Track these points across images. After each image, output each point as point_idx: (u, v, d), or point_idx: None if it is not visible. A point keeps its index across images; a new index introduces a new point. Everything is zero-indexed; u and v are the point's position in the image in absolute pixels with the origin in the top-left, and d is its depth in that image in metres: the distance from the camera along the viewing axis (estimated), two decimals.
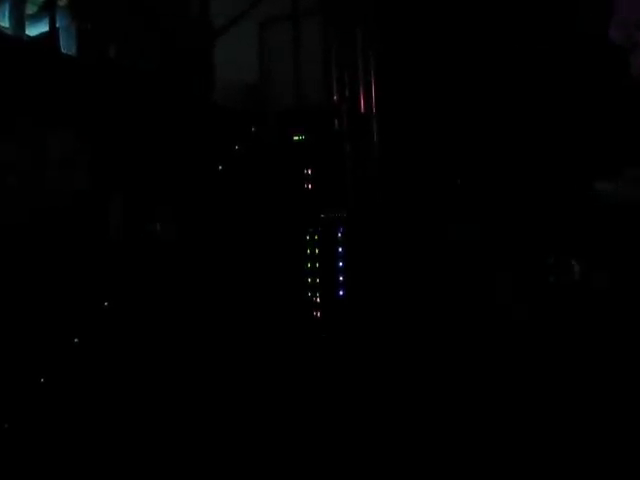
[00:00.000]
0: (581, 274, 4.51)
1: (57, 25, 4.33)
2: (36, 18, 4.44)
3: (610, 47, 2.90)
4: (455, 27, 5.04)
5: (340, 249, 4.77)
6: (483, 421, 3.72)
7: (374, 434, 3.73)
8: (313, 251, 4.73)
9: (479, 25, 5.01)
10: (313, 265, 4.71)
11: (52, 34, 4.25)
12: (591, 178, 4.30)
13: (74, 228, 3.80)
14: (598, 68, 3.17)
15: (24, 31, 4.31)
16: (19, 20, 4.28)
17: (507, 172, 4.92)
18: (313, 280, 4.69)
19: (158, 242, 4.21)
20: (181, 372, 4.03)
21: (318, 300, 4.67)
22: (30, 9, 4.42)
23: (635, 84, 2.91)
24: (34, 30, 4.42)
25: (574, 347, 4.16)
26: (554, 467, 3.31)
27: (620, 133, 3.90)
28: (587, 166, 4.44)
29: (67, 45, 4.38)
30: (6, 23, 4.28)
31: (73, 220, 3.80)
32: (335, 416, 3.92)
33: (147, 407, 3.79)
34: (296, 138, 4.77)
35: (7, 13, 4.26)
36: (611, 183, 3.91)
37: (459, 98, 5.02)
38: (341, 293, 4.72)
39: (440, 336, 4.52)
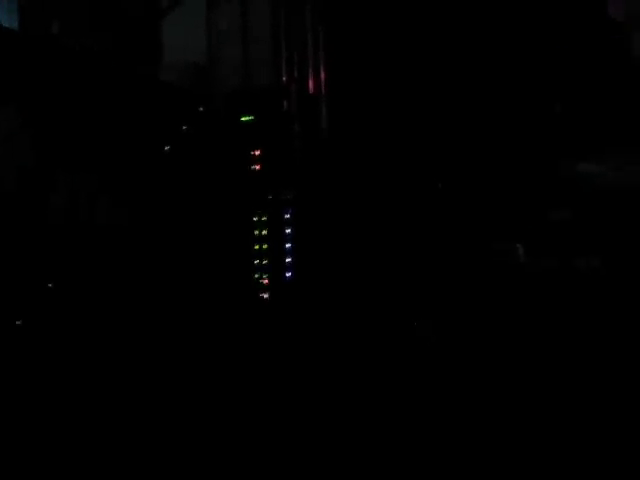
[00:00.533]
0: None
1: None
2: None
3: (608, 23, 2.89)
4: (409, 5, 5.04)
5: (288, 230, 4.77)
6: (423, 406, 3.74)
7: (323, 418, 3.73)
8: (261, 232, 4.71)
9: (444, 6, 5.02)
10: (261, 246, 4.69)
11: None
12: (575, 160, 4.35)
13: (14, 206, 3.71)
14: (594, 46, 3.16)
15: None
16: None
17: (467, 154, 4.97)
18: (261, 262, 4.67)
19: (102, 223, 4.13)
20: (125, 357, 3.97)
21: (266, 282, 4.66)
22: None
23: (635, 62, 2.90)
24: None
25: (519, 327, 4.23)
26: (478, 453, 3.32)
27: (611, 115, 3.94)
28: (568, 148, 4.49)
29: (8, 19, 4.26)
30: None
31: (14, 198, 3.71)
32: (280, 397, 3.91)
33: (83, 390, 3.71)
34: (244, 119, 4.73)
35: None
36: (597, 166, 3.96)
37: (411, 77, 5.03)
38: (289, 275, 4.72)
39: (387, 317, 4.56)
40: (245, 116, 4.74)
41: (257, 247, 4.70)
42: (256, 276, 4.67)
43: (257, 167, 4.73)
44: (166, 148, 4.53)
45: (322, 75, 5.06)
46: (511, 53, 4.72)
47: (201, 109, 4.66)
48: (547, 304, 4.31)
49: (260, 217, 4.72)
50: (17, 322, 3.66)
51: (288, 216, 4.76)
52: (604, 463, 2.93)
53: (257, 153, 4.72)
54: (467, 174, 5.01)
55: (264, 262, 4.68)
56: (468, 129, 5.01)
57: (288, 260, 4.72)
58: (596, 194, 4.28)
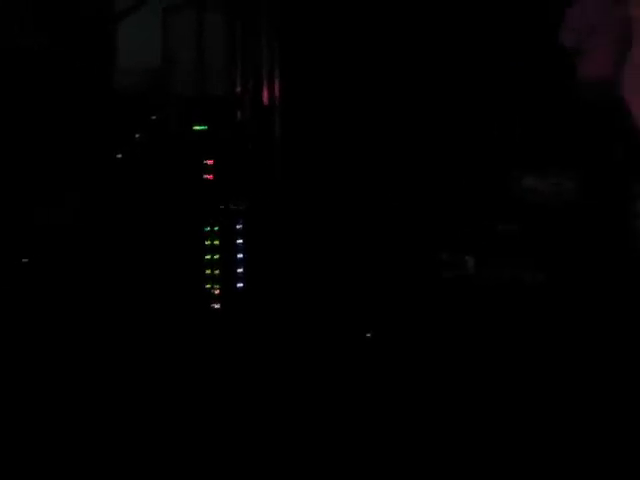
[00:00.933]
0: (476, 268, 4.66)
1: None
2: None
3: (560, 51, 2.98)
4: (366, 18, 5.08)
5: (241, 240, 4.77)
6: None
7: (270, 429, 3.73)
8: (213, 243, 4.70)
9: (397, 16, 5.07)
10: (212, 257, 4.69)
11: None
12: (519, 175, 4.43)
13: None
14: (545, 72, 3.27)
15: None
16: None
17: (415, 166, 5.02)
18: (212, 272, 4.66)
19: (45, 230, 4.08)
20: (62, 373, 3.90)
21: (218, 292, 4.66)
22: None
23: (582, 87, 3.01)
24: None
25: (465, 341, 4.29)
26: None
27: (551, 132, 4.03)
28: (510, 163, 4.57)
29: None
30: None
31: None
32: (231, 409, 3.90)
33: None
34: (197, 128, 4.72)
35: None
36: (539, 182, 4.05)
37: (367, 91, 5.07)
38: (241, 285, 4.72)
39: (337, 327, 4.58)
40: (198, 125, 4.72)
41: (209, 257, 4.69)
42: (207, 286, 4.66)
43: (210, 177, 4.72)
44: (117, 156, 4.50)
45: (277, 86, 5.07)
46: (463, 70, 4.80)
47: (154, 117, 4.63)
48: (494, 315, 4.38)
49: (212, 227, 4.71)
50: None
51: (240, 226, 4.76)
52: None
53: (210, 163, 4.71)
54: (418, 186, 5.06)
55: (216, 272, 4.67)
56: (420, 142, 5.07)
57: (240, 270, 4.72)
58: (539, 208, 4.38)
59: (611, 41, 2.79)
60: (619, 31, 2.83)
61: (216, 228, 4.71)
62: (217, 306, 4.64)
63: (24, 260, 4.23)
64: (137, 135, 4.56)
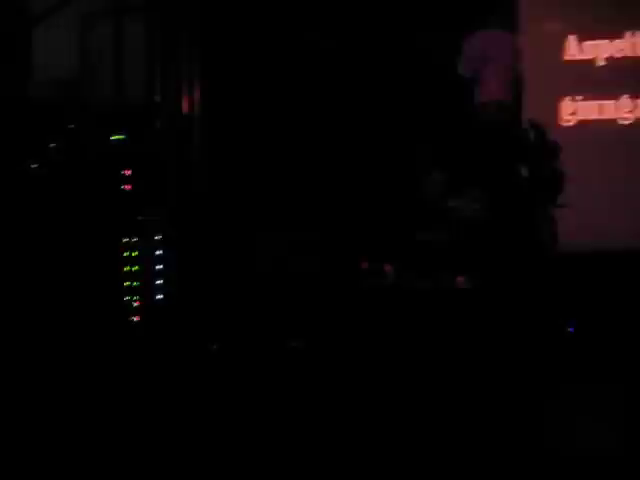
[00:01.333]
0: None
1: None
2: None
3: (459, 79, 3.16)
4: (281, 34, 5.10)
5: (160, 251, 4.71)
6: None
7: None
8: (131, 254, 4.61)
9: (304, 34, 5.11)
10: (131, 268, 4.60)
11: None
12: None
13: None
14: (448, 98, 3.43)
15: None
16: None
17: (333, 177, 5.08)
18: (131, 284, 4.59)
19: None
20: None
21: (137, 304, 4.58)
22: None
23: (478, 111, 3.17)
24: None
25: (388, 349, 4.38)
26: None
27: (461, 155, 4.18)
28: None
29: None
30: None
31: None
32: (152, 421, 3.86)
33: None
34: (115, 137, 4.61)
35: None
36: (457, 200, 4.19)
37: (286, 100, 5.09)
38: (160, 296, 4.66)
39: (261, 335, 4.60)
40: (116, 134, 4.62)
41: (127, 269, 4.61)
42: (126, 299, 4.58)
43: (127, 187, 4.63)
44: (33, 166, 4.36)
45: (196, 94, 5.04)
46: (383, 89, 4.92)
47: (71, 127, 4.50)
48: (417, 323, 4.48)
49: (130, 238, 4.63)
50: None
51: (160, 237, 4.70)
52: None
53: (127, 173, 4.62)
54: (339, 196, 5.13)
55: (134, 284, 4.60)
56: (341, 152, 5.14)
57: (159, 282, 4.66)
58: (456, 218, 4.52)
59: (501, 68, 3.00)
60: (508, 60, 3.05)
61: (135, 239, 4.63)
62: (136, 319, 4.57)
63: None
64: (52, 145, 4.42)
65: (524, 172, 3.34)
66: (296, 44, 5.13)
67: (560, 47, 5.21)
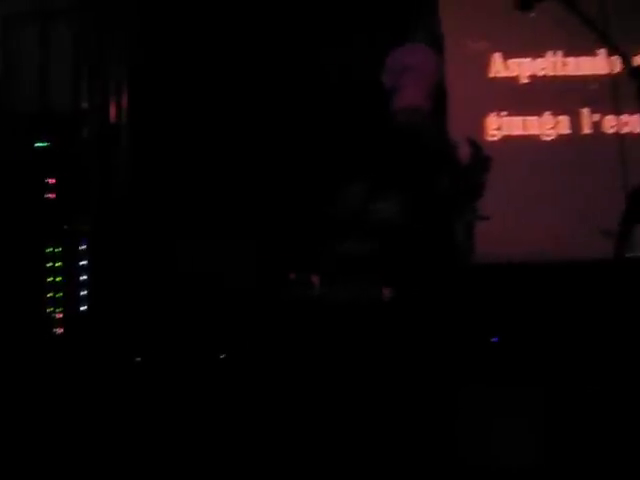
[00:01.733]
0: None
1: None
2: None
3: (381, 90, 3.21)
4: (208, 43, 5.09)
5: (84, 262, 4.61)
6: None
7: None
8: (55, 264, 4.51)
9: (240, 45, 5.11)
10: (54, 279, 4.50)
11: None
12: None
13: None
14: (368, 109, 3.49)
15: None
16: None
17: (258, 188, 5.07)
18: (54, 295, 4.48)
19: None
20: None
21: (60, 316, 4.48)
22: None
23: (394, 117, 3.22)
24: None
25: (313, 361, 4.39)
26: None
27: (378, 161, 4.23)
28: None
29: None
30: None
31: None
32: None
33: None
34: (39, 145, 4.51)
35: None
36: (378, 209, 4.22)
37: (210, 112, 5.07)
38: (84, 308, 4.57)
39: (187, 348, 4.55)
40: (40, 142, 4.52)
41: (51, 279, 4.50)
42: (49, 310, 4.47)
43: (52, 196, 4.53)
44: None
45: (124, 102, 4.97)
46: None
47: None
48: (341, 334, 4.51)
49: (54, 248, 4.52)
50: None
51: (85, 247, 4.61)
52: None
53: (52, 182, 4.52)
54: (266, 205, 5.13)
55: (58, 295, 4.49)
56: (264, 162, 5.14)
57: (84, 293, 4.57)
58: (378, 228, 4.57)
59: (419, 77, 3.06)
60: (427, 69, 3.11)
61: (58, 249, 4.53)
62: (60, 331, 4.46)
63: None
64: None
65: (445, 181, 3.39)
66: (222, 55, 5.14)
67: (485, 64, 5.35)
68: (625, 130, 5.01)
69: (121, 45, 4.94)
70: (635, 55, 5.10)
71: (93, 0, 4.83)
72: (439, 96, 3.22)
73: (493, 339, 4.56)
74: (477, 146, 3.61)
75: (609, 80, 5.07)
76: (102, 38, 4.86)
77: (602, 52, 5.21)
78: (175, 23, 5.07)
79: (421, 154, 3.22)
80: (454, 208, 3.43)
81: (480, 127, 5.24)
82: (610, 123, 5.27)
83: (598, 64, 5.26)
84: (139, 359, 4.46)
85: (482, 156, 3.68)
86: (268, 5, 5.11)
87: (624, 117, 5.10)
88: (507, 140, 3.74)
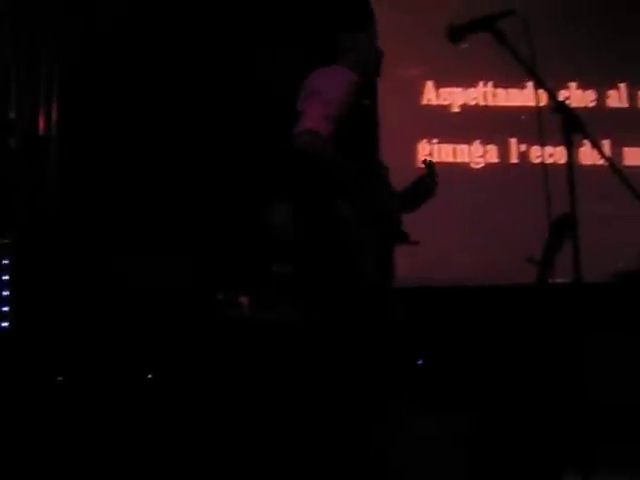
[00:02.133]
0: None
1: None
2: None
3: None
4: (146, 57, 5.05)
5: (6, 277, 4.48)
6: None
7: None
8: None
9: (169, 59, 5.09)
10: None
11: None
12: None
13: None
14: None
15: None
16: None
17: (190, 207, 5.03)
18: None
19: None
20: None
21: None
22: None
23: (295, 145, 3.23)
24: None
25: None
26: None
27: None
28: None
29: None
30: None
31: None
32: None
33: None
34: None
35: None
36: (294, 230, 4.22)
37: (143, 128, 5.02)
38: (5, 325, 4.43)
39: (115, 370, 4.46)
40: None
41: None
42: None
43: None
44: None
45: (54, 113, 4.88)
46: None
47: None
48: (270, 356, 4.49)
49: None
50: None
51: (7, 261, 4.48)
52: None
53: None
54: (198, 224, 5.09)
55: None
56: (196, 181, 5.11)
57: (5, 309, 4.43)
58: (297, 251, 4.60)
59: (322, 102, 3.09)
60: (333, 95, 3.15)
61: None
62: None
63: None
64: None
65: (345, 207, 3.37)
66: (153, 70, 5.11)
67: (418, 91, 5.46)
68: (550, 161, 5.17)
69: (52, 56, 4.85)
70: (559, 90, 5.34)
71: (23, 8, 4.74)
72: (357, 121, 3.24)
73: (418, 362, 4.62)
74: (430, 169, 3.65)
75: (536, 112, 5.25)
76: (32, 48, 4.77)
77: (530, 85, 5.39)
78: (106, 37, 5.01)
79: (317, 178, 3.22)
80: (365, 232, 3.43)
81: (412, 153, 5.34)
82: (536, 153, 5.44)
83: (526, 96, 5.43)
84: (61, 378, 4.35)
85: (429, 181, 3.72)
86: (199, 20, 5.12)
87: (549, 148, 5.27)
88: (437, 167, 3.82)
